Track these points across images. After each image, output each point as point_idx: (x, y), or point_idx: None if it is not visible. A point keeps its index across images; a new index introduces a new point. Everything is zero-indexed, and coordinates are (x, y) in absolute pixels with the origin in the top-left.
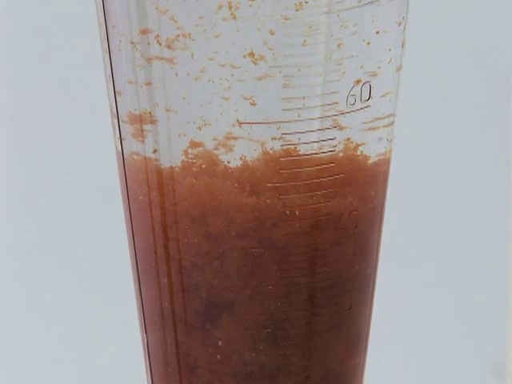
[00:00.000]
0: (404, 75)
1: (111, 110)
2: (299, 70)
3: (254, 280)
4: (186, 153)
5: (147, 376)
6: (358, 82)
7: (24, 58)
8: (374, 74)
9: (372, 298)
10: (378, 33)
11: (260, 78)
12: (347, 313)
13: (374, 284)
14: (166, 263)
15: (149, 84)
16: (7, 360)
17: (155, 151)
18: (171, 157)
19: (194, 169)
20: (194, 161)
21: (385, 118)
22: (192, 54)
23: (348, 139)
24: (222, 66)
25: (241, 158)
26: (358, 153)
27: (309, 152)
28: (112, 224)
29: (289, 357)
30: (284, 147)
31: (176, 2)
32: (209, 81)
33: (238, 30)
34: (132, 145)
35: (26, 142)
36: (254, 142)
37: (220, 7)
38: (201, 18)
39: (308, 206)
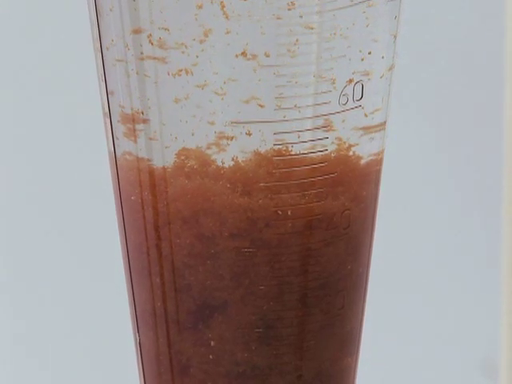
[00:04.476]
0: (396, 75)
1: (103, 110)
2: (291, 70)
3: (246, 280)
4: (178, 153)
5: (140, 375)
6: (351, 81)
7: (17, 57)
8: (367, 74)
9: (364, 298)
10: (370, 32)
11: (252, 78)
12: (340, 312)
13: (366, 283)
14: (159, 263)
15: (141, 84)
16: None
17: (147, 151)
18: (163, 157)
19: (185, 169)
20: (186, 161)
21: (377, 117)
22: (184, 53)
23: (340, 139)
24: (214, 63)
25: (233, 159)
26: (351, 153)
27: (301, 152)
28: (104, 224)
29: (281, 356)
30: (276, 147)
31: (168, 1)
32: (202, 81)
33: (230, 30)
34: (124, 145)
35: (19, 141)
36: (247, 142)
37: (212, 5)
38: (191, 16)
39: (300, 206)
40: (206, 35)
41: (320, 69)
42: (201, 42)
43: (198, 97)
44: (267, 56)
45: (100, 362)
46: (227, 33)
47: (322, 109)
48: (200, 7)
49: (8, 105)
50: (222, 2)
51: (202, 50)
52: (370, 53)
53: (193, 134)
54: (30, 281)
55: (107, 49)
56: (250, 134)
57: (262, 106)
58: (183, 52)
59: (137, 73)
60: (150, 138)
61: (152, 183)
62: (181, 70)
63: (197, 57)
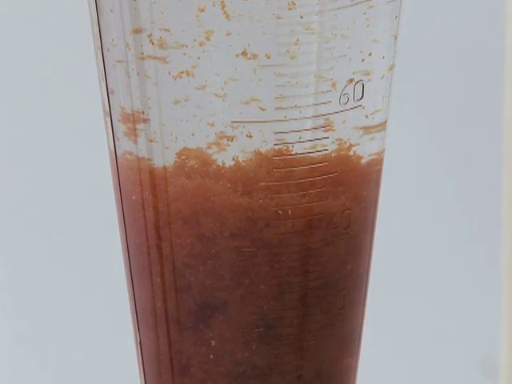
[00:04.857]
0: (397, 74)
1: (104, 109)
2: (292, 70)
3: (246, 280)
4: (178, 153)
5: (140, 375)
6: (351, 81)
7: (17, 57)
8: (367, 74)
9: (365, 298)
10: (370, 32)
11: (252, 77)
12: (340, 312)
13: (366, 283)
14: (159, 263)
15: (141, 84)
16: None
17: (148, 151)
18: (164, 157)
19: (186, 169)
20: (187, 161)
21: (378, 117)
22: (186, 54)
23: (341, 138)
24: (215, 64)
25: (233, 159)
26: (351, 152)
27: (301, 151)
28: (105, 223)
29: (281, 356)
30: (277, 146)
31: (169, 2)
32: (202, 81)
33: (231, 30)
34: (125, 144)
35: (19, 141)
36: (247, 142)
37: (213, 5)
38: (192, 16)
39: (301, 206)
40: (207, 36)
41: (320, 69)
42: (202, 43)
43: (199, 98)
44: (268, 56)
45: (100, 361)
46: (228, 33)
47: (322, 109)
48: (201, 8)
49: (8, 104)
50: (222, 1)
51: (203, 51)
52: (370, 53)
53: (193, 134)
54: (30, 281)
55: (108, 49)
56: (250, 134)
57: (262, 106)
58: (184, 54)
59: (137, 73)
60: (151, 139)
61: (152, 183)
62: (182, 72)
63: (198, 58)
